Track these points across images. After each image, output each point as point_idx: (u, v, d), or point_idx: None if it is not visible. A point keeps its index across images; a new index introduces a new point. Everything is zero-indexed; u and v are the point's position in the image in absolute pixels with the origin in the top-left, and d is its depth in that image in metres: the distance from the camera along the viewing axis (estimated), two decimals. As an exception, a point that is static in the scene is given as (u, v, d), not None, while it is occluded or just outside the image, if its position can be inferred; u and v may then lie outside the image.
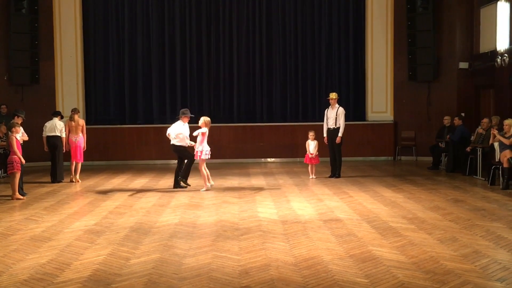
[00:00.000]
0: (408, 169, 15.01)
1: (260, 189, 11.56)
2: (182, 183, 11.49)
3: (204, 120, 11.40)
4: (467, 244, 6.87)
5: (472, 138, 13.48)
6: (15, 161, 10.52)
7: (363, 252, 6.54)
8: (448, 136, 14.28)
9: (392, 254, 6.46)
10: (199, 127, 11.34)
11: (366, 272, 5.80)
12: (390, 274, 5.73)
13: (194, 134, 11.32)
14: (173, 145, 11.49)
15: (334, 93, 13.21)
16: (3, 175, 13.58)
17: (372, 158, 17.16)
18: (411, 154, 17.04)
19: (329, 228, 7.80)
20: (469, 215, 8.61)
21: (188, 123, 11.68)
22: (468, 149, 13.15)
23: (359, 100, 17.74)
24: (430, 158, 15.24)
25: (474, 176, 12.82)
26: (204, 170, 11.29)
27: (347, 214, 8.78)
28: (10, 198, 10.58)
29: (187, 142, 11.45)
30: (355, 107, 17.65)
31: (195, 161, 11.55)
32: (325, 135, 13.12)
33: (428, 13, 16.34)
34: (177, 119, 11.62)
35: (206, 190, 11.19)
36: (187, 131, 11.51)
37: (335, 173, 13.06)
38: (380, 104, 17.44)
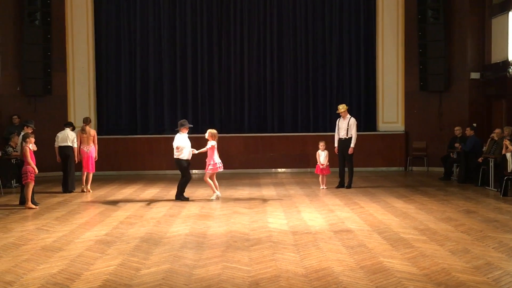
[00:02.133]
0: (419, 179, 14.92)
1: (270, 199, 11.54)
2: (182, 199, 11.35)
3: (210, 133, 11.30)
4: (479, 255, 6.81)
5: (484, 148, 13.41)
6: (29, 172, 10.65)
7: (374, 264, 6.50)
8: (460, 147, 14.19)
9: (403, 265, 6.41)
10: (206, 139, 11.27)
11: (377, 283, 5.76)
12: (401, 286, 5.69)
13: (203, 150, 11.26)
14: (175, 159, 11.34)
15: (343, 105, 13.14)
16: (15, 185, 13.68)
17: (383, 168, 17.08)
18: (423, 165, 16.95)
19: (339, 239, 7.77)
20: (482, 227, 8.54)
21: (190, 133, 11.47)
22: (480, 159, 13.07)
23: (370, 110, 17.71)
24: (442, 169, 15.15)
25: (486, 187, 12.73)
26: (210, 180, 11.28)
27: (358, 225, 8.74)
28: (22, 207, 10.69)
29: (190, 154, 11.29)
30: (366, 118, 17.61)
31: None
32: (336, 145, 13.09)
33: (439, 24, 16.31)
34: (177, 132, 11.42)
35: (217, 198, 11.13)
36: (188, 143, 11.32)
37: (344, 183, 13.01)
38: (391, 114, 17.39)
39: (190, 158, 11.35)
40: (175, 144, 11.21)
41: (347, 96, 17.47)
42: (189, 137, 11.48)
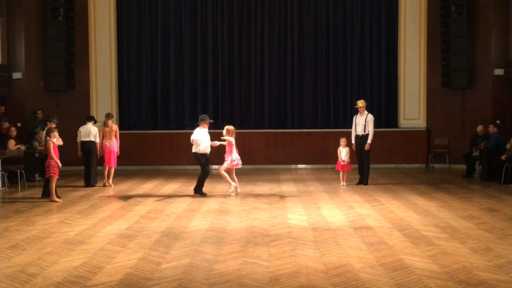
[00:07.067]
0: (441, 177, 14.78)
1: (290, 195, 11.54)
2: (200, 194, 11.45)
3: (227, 129, 11.37)
4: (501, 254, 6.74)
5: (508, 146, 13.23)
6: (52, 166, 10.82)
7: (394, 261, 6.46)
8: (482, 144, 14.02)
9: (424, 263, 6.37)
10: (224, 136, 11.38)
11: (397, 281, 5.74)
12: (421, 283, 5.65)
13: (217, 143, 11.38)
14: (193, 153, 11.48)
15: (361, 101, 13.11)
16: (38, 178, 13.88)
17: (405, 165, 16.97)
18: (444, 162, 16.79)
19: (359, 236, 7.74)
20: (504, 225, 8.44)
21: (210, 129, 11.68)
22: (503, 157, 12.90)
23: (391, 106, 17.60)
24: (464, 166, 14.99)
25: (509, 185, 12.57)
26: (224, 173, 11.34)
27: (378, 222, 8.70)
28: (45, 200, 10.90)
29: (208, 148, 11.38)
30: (387, 114, 17.52)
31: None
32: (353, 141, 13.06)
33: (462, 19, 16.10)
34: (196, 126, 11.54)
35: (235, 190, 11.22)
36: (207, 137, 11.44)
37: (363, 180, 12.97)
38: (412, 111, 17.26)
39: (208, 152, 11.42)
40: (191, 137, 11.36)
41: (368, 92, 17.39)
42: (209, 133, 11.58)
